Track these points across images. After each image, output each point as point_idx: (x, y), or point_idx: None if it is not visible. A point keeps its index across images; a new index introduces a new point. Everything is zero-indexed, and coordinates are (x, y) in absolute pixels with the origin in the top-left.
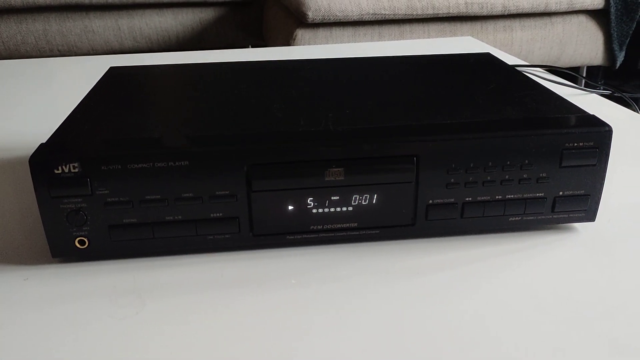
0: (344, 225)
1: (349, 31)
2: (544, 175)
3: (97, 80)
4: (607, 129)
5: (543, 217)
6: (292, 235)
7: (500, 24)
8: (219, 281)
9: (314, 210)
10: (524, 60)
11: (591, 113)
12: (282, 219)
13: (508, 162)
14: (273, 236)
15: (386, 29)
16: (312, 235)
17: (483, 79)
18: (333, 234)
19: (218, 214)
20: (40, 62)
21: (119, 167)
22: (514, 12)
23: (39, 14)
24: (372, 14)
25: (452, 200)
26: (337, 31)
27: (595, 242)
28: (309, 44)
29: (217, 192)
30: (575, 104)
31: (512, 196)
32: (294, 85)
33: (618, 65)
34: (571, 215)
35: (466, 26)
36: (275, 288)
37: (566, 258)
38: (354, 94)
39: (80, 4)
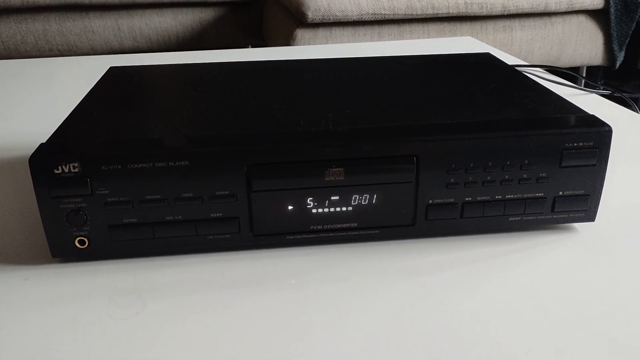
0: (344, 225)
1: (348, 31)
2: (543, 175)
3: (97, 80)
4: (607, 129)
5: (543, 217)
6: (292, 235)
7: (500, 24)
8: (219, 281)
9: (314, 210)
10: (524, 60)
11: (591, 113)
12: (282, 219)
13: (508, 162)
14: (273, 236)
15: (386, 29)
16: (312, 235)
17: (483, 79)
18: (333, 234)
19: (218, 214)
20: (40, 62)
21: (119, 167)
22: (514, 12)
23: (39, 14)
24: (371, 14)
25: (452, 200)
26: (336, 31)
27: (595, 242)
28: (308, 44)
29: (217, 192)
30: (575, 104)
31: (512, 196)
32: (293, 85)
33: (618, 65)
34: (571, 215)
35: (466, 26)
36: (275, 288)
37: (566, 258)
38: (354, 94)
39: (80, 4)
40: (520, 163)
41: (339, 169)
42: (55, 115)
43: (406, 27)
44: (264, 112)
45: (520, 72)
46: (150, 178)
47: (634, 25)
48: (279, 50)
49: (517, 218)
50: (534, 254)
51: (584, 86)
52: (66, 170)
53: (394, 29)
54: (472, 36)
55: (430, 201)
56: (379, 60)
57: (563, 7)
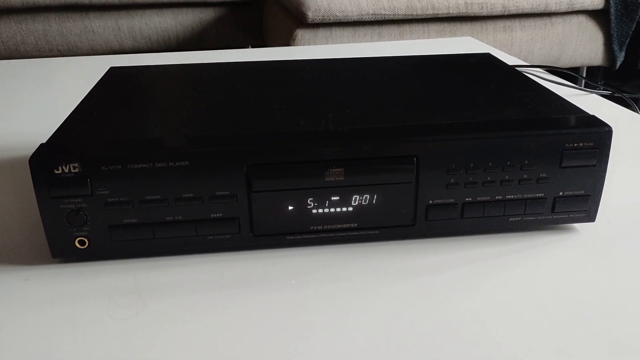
0: (344, 226)
1: (348, 31)
2: (544, 175)
3: (97, 80)
4: (607, 129)
5: (543, 217)
6: (292, 236)
7: (500, 24)
8: (219, 281)
9: (314, 211)
10: (524, 61)
11: (591, 113)
12: (282, 219)
13: (508, 163)
14: (273, 236)
15: (386, 29)
16: (312, 236)
17: (483, 80)
18: (333, 234)
19: (218, 214)
20: (40, 62)
21: (119, 167)
22: (514, 12)
23: (39, 14)
24: (371, 14)
25: (452, 200)
26: (336, 31)
27: (595, 243)
28: (308, 44)
29: (217, 193)
30: (575, 104)
31: (512, 196)
32: (293, 86)
33: (618, 65)
34: (571, 215)
35: (466, 26)
36: (275, 288)
37: (566, 258)
38: (354, 94)
39: (80, 4)
40: (521, 163)
41: (339, 169)
42: (55, 115)
43: (406, 28)
44: (264, 112)
45: (520, 73)
46: (150, 178)
47: (634, 26)
48: (279, 51)
49: (517, 218)
50: (534, 254)
51: (584, 86)
52: (66, 170)
53: (394, 29)
54: (472, 36)
55: (431, 201)
56: (379, 61)
57: (563, 7)
